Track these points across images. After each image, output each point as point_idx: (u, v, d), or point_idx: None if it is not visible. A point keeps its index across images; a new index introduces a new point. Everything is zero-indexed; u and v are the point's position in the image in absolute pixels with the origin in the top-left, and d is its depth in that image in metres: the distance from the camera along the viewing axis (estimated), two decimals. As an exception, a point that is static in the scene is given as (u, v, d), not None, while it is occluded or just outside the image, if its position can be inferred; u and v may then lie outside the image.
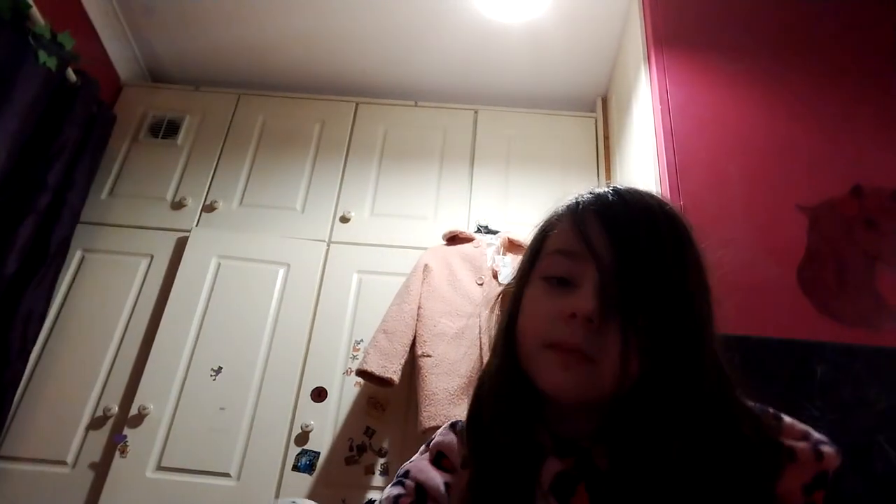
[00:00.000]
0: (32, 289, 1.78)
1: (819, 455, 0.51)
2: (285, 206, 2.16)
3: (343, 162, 2.26)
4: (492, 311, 0.69)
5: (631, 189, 0.59)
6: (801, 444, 0.52)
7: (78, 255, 2.01)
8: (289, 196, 2.18)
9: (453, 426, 0.64)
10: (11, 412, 1.74)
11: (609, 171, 2.22)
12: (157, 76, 2.57)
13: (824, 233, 1.45)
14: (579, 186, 0.56)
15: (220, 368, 1.84)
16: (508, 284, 0.64)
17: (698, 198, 1.49)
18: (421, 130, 2.35)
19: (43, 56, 1.84)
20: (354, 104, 2.40)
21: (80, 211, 2.01)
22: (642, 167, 1.76)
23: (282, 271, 2.01)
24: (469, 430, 0.60)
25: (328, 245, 2.08)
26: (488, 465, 0.55)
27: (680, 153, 1.56)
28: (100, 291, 1.96)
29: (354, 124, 2.36)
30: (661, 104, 1.65)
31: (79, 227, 2.00)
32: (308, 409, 1.81)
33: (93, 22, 2.22)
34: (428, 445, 0.64)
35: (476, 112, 2.38)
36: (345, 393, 1.84)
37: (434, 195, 2.20)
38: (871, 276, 1.40)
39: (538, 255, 0.60)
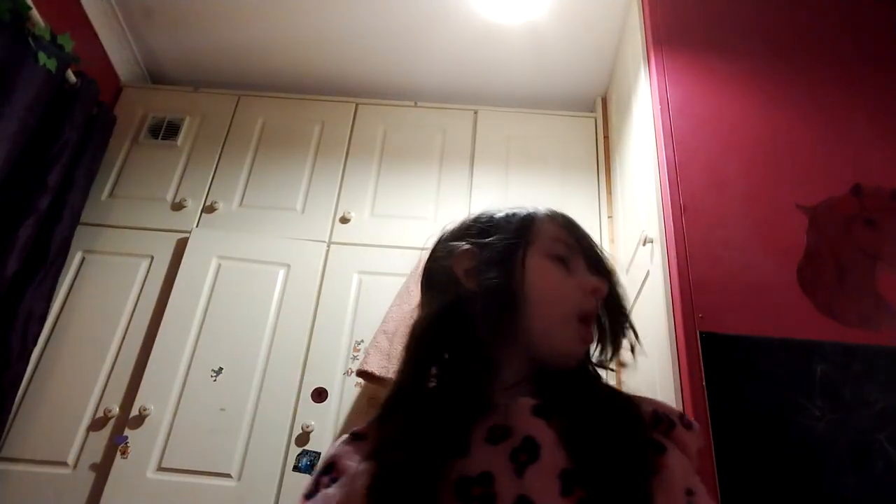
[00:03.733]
0: (33, 290, 1.78)
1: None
2: (285, 206, 2.17)
3: (343, 162, 2.27)
4: (437, 274, 0.75)
5: None
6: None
7: (78, 256, 2.01)
8: (289, 197, 2.19)
9: (353, 436, 0.67)
10: (12, 413, 1.74)
11: (609, 171, 2.22)
12: (156, 77, 2.57)
13: (824, 232, 1.45)
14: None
15: (221, 369, 1.84)
16: (466, 249, 0.72)
17: (698, 198, 1.49)
18: (421, 131, 2.35)
19: (43, 57, 1.84)
20: (354, 105, 2.40)
21: (81, 212, 2.02)
22: (642, 167, 1.76)
23: (282, 272, 2.01)
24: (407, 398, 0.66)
25: (328, 246, 2.09)
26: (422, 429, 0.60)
27: (680, 153, 1.56)
28: (100, 292, 1.96)
29: (354, 125, 2.36)
30: (660, 104, 1.66)
31: (79, 229, 2.00)
32: (309, 409, 1.81)
33: (92, 23, 2.23)
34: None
35: (476, 112, 2.39)
36: (345, 393, 1.84)
37: (434, 195, 2.20)
38: (871, 275, 1.40)
39: (527, 237, 0.72)
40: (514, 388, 0.64)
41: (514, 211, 0.76)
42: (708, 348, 1.28)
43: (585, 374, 0.70)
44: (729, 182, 1.52)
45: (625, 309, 0.74)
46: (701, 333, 1.30)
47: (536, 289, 0.68)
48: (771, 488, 1.16)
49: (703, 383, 1.25)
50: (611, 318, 0.72)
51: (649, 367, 1.53)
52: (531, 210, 0.76)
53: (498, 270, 0.69)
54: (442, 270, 0.73)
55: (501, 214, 0.76)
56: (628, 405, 0.64)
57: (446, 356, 0.69)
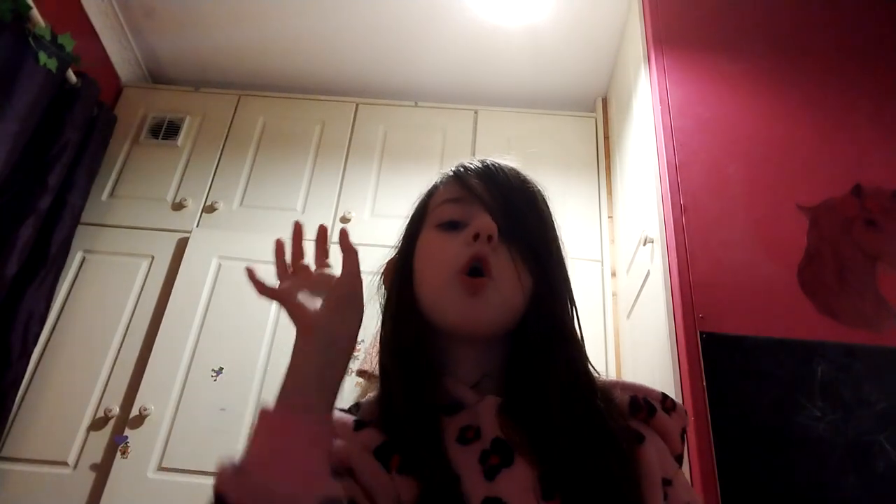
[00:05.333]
0: (33, 290, 1.78)
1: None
2: (286, 206, 2.17)
3: (343, 162, 2.27)
4: (377, 289, 0.72)
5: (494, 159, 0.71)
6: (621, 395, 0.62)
7: (79, 256, 2.01)
8: (289, 197, 2.19)
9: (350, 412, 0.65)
10: (13, 413, 1.74)
11: (609, 171, 2.22)
12: (157, 77, 2.58)
13: (824, 233, 1.45)
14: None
15: (221, 369, 1.84)
16: (391, 259, 0.71)
17: (698, 198, 1.49)
18: (421, 131, 2.35)
19: (43, 57, 1.84)
20: (354, 105, 2.40)
21: (81, 212, 2.02)
22: (642, 167, 1.76)
23: (282, 272, 2.00)
24: (382, 411, 0.61)
25: (329, 246, 2.08)
26: (402, 433, 0.56)
27: (680, 153, 1.56)
28: (100, 292, 1.96)
29: (354, 125, 2.36)
30: (661, 104, 1.66)
31: (79, 229, 2.01)
32: (309, 409, 1.81)
33: (93, 23, 2.23)
34: None
35: (476, 112, 2.39)
36: (345, 393, 1.83)
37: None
38: (872, 275, 1.40)
39: (424, 216, 0.68)
40: (481, 383, 0.60)
41: (421, 192, 0.72)
42: (708, 348, 1.28)
43: (550, 352, 0.60)
44: (729, 182, 1.52)
45: (527, 224, 0.64)
46: (701, 333, 1.30)
47: (420, 269, 0.64)
48: (771, 488, 1.16)
49: (704, 383, 1.25)
50: (516, 246, 0.62)
51: (649, 367, 1.53)
52: (432, 183, 0.72)
53: (398, 273, 0.67)
54: (384, 287, 0.71)
55: (413, 204, 0.73)
56: (600, 398, 0.58)
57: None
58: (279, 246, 0.64)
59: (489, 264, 0.59)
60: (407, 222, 0.72)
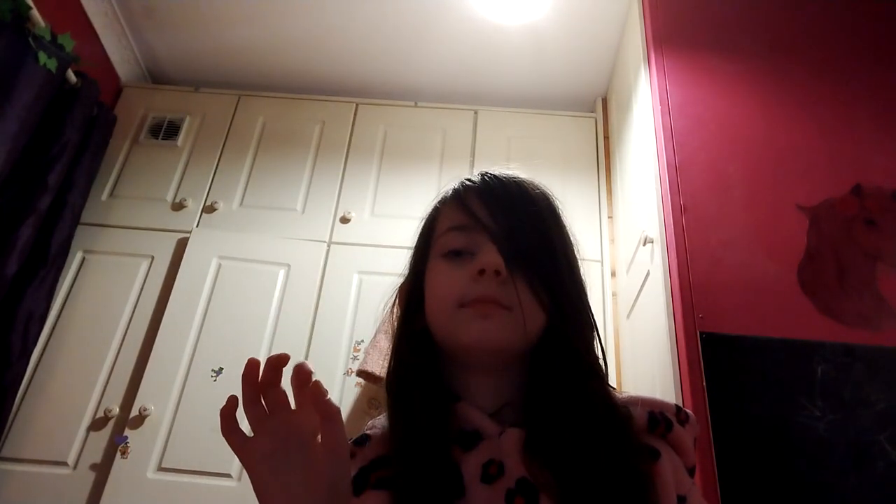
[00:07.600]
0: (33, 290, 1.78)
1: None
2: (285, 206, 2.17)
3: (343, 162, 2.27)
4: (391, 312, 0.72)
5: (504, 171, 0.69)
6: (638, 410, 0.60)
7: (79, 256, 2.01)
8: (289, 197, 2.19)
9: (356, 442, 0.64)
10: (12, 413, 1.74)
11: (609, 171, 2.22)
12: (157, 77, 2.58)
13: (824, 232, 1.45)
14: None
15: (221, 369, 1.84)
16: (403, 282, 0.71)
17: (698, 198, 1.49)
18: (421, 131, 2.35)
19: (43, 57, 1.84)
20: (354, 105, 2.40)
21: (81, 212, 2.02)
22: (642, 167, 1.76)
23: (282, 272, 2.01)
24: (391, 436, 0.59)
25: (328, 246, 2.09)
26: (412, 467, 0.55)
27: (680, 153, 1.56)
28: (100, 292, 1.96)
29: (354, 125, 2.36)
30: (660, 104, 1.66)
31: (79, 229, 2.01)
32: (309, 409, 1.81)
33: (93, 23, 2.23)
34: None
35: (476, 112, 2.39)
36: (345, 393, 1.84)
37: (434, 195, 2.20)
38: (872, 275, 1.40)
39: (430, 241, 0.68)
40: (502, 412, 0.59)
41: (425, 213, 0.73)
42: (708, 348, 1.28)
43: (568, 383, 0.59)
44: (729, 182, 1.52)
45: (535, 250, 0.62)
46: (701, 333, 1.30)
47: (430, 301, 0.64)
48: (771, 488, 1.16)
49: (704, 383, 1.25)
50: (525, 276, 0.60)
51: (649, 367, 1.53)
52: (434, 205, 0.72)
53: (410, 299, 0.67)
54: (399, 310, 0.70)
55: (419, 225, 0.72)
56: (618, 422, 0.57)
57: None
58: (251, 368, 0.57)
59: (498, 300, 0.59)
60: (414, 246, 0.72)
